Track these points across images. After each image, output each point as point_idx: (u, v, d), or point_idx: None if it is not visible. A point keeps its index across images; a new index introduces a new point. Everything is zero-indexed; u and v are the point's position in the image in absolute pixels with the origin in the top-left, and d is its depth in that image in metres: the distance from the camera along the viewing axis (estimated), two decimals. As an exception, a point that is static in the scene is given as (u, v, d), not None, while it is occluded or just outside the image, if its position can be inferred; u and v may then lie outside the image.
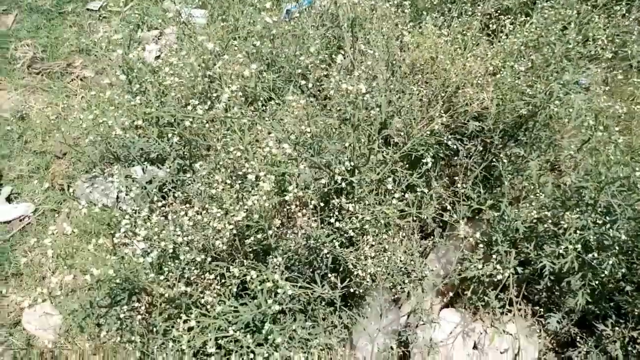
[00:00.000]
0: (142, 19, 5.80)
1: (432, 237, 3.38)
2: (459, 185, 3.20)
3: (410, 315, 3.19)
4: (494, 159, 3.27)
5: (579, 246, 2.57)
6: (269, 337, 2.03)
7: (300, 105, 2.17)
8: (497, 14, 3.71)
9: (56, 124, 4.80)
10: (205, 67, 2.66)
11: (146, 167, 3.76)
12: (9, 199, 4.33)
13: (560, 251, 2.60)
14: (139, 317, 2.13)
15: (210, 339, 1.89)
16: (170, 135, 2.43)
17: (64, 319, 3.56)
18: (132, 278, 1.96)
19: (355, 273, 2.24)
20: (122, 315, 2.11)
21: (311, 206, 2.25)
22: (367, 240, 2.26)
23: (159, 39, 5.73)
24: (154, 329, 2.24)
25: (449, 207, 3.25)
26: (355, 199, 2.31)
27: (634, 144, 2.60)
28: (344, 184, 2.20)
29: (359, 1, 2.51)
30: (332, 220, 2.26)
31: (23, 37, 5.89)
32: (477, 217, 3.51)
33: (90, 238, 2.54)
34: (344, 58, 2.41)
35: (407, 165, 2.71)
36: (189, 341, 1.98)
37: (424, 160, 2.51)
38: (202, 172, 2.27)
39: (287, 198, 2.05)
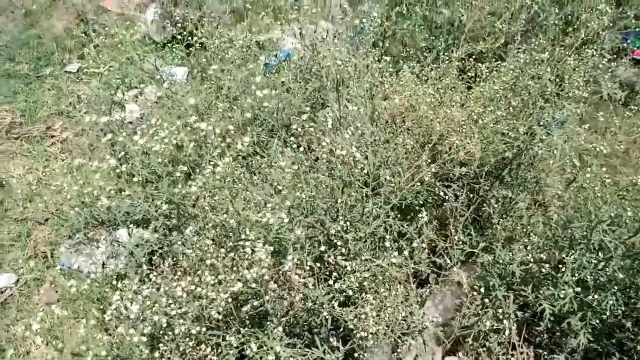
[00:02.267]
0: (122, 80, 5.83)
1: (427, 284, 3.34)
2: (450, 229, 3.20)
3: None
4: (482, 202, 3.28)
5: (577, 288, 2.56)
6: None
7: (291, 168, 2.16)
8: (471, 59, 3.82)
9: (37, 190, 4.72)
10: (189, 129, 2.65)
11: (132, 230, 3.69)
12: (-11, 271, 4.18)
13: (559, 293, 2.58)
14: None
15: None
16: (158, 202, 2.38)
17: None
18: (126, 357, 1.88)
19: (358, 335, 2.19)
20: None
21: (307, 267, 2.21)
22: (367, 298, 2.21)
23: (138, 98, 5.75)
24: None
25: (442, 252, 3.23)
26: (351, 256, 2.28)
27: (620, 182, 2.64)
28: (339, 242, 2.17)
29: (343, 63, 2.56)
30: (331, 282, 2.22)
31: (1, 103, 5.86)
32: (470, 260, 3.49)
33: (78, 316, 2.45)
34: (329, 117, 2.43)
35: (399, 215, 2.70)
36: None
37: (420, 216, 2.50)
38: (192, 237, 2.22)
39: (285, 268, 2.01)
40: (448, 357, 3.29)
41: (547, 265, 2.74)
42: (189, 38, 4.81)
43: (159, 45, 6.61)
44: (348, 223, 2.29)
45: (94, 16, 6.98)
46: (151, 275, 2.29)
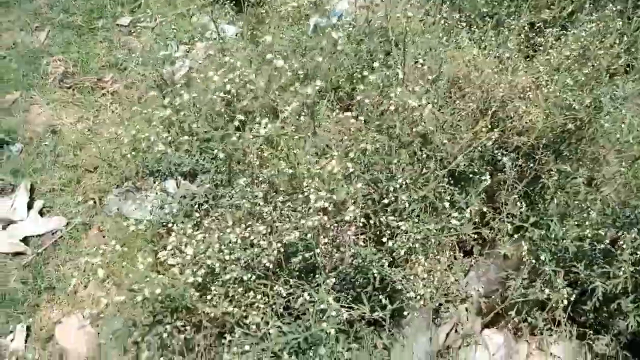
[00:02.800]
0: (173, 36, 5.85)
1: (471, 255, 3.29)
2: (500, 201, 3.12)
3: (451, 336, 3.10)
4: (536, 176, 3.18)
5: (634, 268, 2.47)
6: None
7: (352, 123, 2.12)
8: (534, 28, 3.66)
9: (88, 138, 4.83)
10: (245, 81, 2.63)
11: (179, 181, 3.75)
12: (41, 213, 4.34)
13: (614, 271, 2.49)
14: (181, 336, 2.08)
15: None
16: (213, 152, 2.38)
17: (100, 336, 3.54)
18: (178, 297, 1.92)
19: (407, 294, 2.17)
20: (164, 335, 2.06)
21: (360, 224, 2.19)
22: (419, 260, 2.19)
23: (188, 53, 5.77)
24: (196, 350, 2.19)
25: (489, 224, 3.17)
26: (404, 216, 2.25)
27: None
28: (396, 199, 2.13)
29: (413, 16, 2.47)
30: (384, 239, 2.20)
31: (55, 53, 5.98)
32: (517, 235, 3.42)
33: (132, 255, 2.51)
34: (396, 71, 2.36)
35: (452, 182, 2.64)
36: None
37: (484, 178, 2.44)
38: (244, 188, 2.23)
39: (346, 218, 2.00)
40: (487, 329, 3.25)
41: (603, 243, 2.65)
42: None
43: (211, 2, 6.57)
44: (404, 183, 2.25)
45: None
46: (204, 222, 2.32)
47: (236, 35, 6.01)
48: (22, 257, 4.06)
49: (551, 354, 2.91)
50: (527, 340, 3.07)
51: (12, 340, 3.60)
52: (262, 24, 5.15)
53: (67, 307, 3.80)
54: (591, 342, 2.99)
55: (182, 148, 3.73)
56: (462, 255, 3.21)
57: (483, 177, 2.47)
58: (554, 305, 2.89)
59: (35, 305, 3.78)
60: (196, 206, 2.99)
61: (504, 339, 3.14)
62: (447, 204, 2.30)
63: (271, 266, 2.04)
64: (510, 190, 3.17)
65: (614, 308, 2.82)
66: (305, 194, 1.88)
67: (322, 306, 1.86)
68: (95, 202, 4.38)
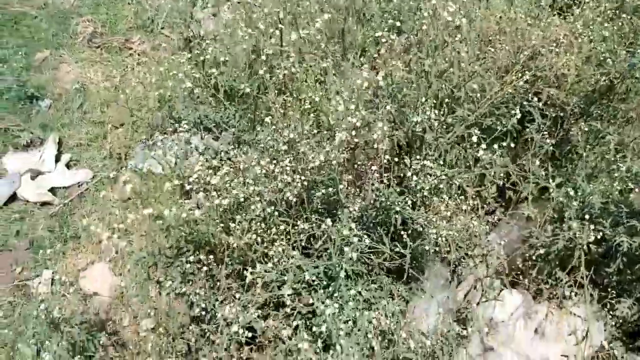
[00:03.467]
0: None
1: (494, 214, 3.26)
2: (527, 160, 3.07)
3: (470, 292, 3.09)
4: (565, 136, 3.12)
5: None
6: (335, 294, 1.98)
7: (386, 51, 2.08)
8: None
9: (115, 96, 4.89)
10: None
11: (204, 135, 3.77)
12: (68, 165, 4.42)
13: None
14: (205, 268, 2.11)
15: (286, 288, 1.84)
16: (242, 86, 2.36)
17: (122, 278, 3.63)
18: (203, 227, 1.94)
19: (429, 234, 2.15)
20: (187, 266, 2.10)
21: (385, 160, 2.17)
22: (443, 199, 2.17)
23: (214, 17, 5.77)
24: (217, 284, 2.22)
25: (515, 184, 3.13)
26: (429, 157, 2.23)
27: None
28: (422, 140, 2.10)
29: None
30: (409, 174, 2.18)
31: (84, 13, 6.04)
32: (542, 197, 3.36)
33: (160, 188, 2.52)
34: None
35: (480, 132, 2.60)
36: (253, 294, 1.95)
37: (513, 112, 2.38)
38: (270, 126, 2.23)
39: (374, 136, 1.98)
40: (508, 290, 3.22)
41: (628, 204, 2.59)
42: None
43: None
44: (430, 121, 2.22)
45: None
46: (230, 155, 2.33)
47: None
48: (50, 207, 4.15)
49: (571, 312, 2.87)
50: (547, 300, 3.04)
51: (39, 284, 3.70)
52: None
53: (92, 256, 3.89)
54: (613, 304, 2.94)
55: (207, 102, 3.76)
56: (485, 214, 3.17)
57: (513, 112, 2.39)
58: (575, 264, 2.86)
59: (62, 253, 3.87)
60: (221, 154, 3.02)
61: (523, 298, 3.11)
62: (474, 138, 2.24)
63: (294, 201, 2.04)
64: (536, 150, 3.12)
65: (637, 270, 2.78)
66: (333, 110, 1.86)
67: (344, 232, 1.85)
68: (120, 157, 4.45)
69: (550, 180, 3.03)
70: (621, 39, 2.77)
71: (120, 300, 3.59)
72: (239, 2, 4.89)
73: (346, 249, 1.89)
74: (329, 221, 1.93)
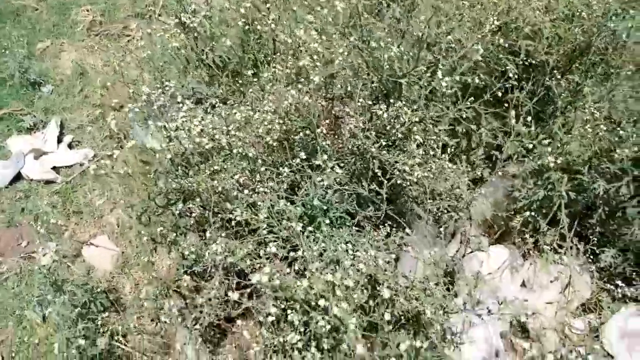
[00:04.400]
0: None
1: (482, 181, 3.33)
2: (509, 120, 3.14)
3: (459, 249, 3.17)
4: (547, 94, 3.19)
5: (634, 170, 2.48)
6: (317, 235, 2.07)
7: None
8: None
9: (113, 78, 5.02)
10: None
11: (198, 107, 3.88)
12: (70, 146, 4.56)
13: (615, 170, 2.51)
14: (193, 214, 2.22)
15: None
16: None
17: (121, 252, 3.76)
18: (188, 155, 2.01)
19: (402, 177, 2.23)
20: (176, 213, 2.20)
21: (359, 104, 2.26)
22: (415, 138, 2.25)
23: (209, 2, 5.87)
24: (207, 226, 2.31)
25: (499, 142, 3.20)
26: (403, 102, 2.31)
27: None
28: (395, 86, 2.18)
29: None
30: (380, 112, 2.25)
31: (83, 3, 6.18)
32: (529, 156, 3.44)
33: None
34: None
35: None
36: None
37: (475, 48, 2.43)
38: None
39: (336, 63, 2.07)
40: (494, 246, 3.30)
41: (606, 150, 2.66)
42: None
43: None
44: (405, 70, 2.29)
45: None
46: (216, 106, 2.43)
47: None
48: (53, 185, 4.29)
49: (554, 261, 2.95)
50: (532, 251, 3.12)
51: (43, 256, 3.83)
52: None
53: (94, 229, 4.03)
54: (597, 254, 3.01)
55: (200, 77, 3.87)
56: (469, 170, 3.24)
57: (475, 47, 2.43)
58: (558, 219, 2.92)
59: (64, 227, 4.00)
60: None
61: (510, 252, 3.19)
62: (439, 73, 2.30)
63: (275, 145, 2.14)
64: (518, 108, 3.19)
65: (619, 216, 2.85)
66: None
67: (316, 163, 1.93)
68: (120, 138, 4.57)
69: (534, 138, 3.11)
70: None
71: (122, 270, 3.71)
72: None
73: (324, 181, 1.97)
74: (302, 154, 2.02)
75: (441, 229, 3.11)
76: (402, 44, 2.23)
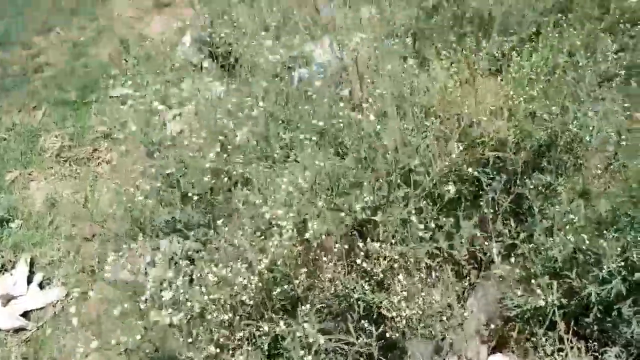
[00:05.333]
0: (163, 102, 6.05)
1: (468, 278, 3.24)
2: (488, 221, 3.11)
3: (455, 362, 3.01)
4: (520, 193, 3.18)
5: (622, 271, 2.42)
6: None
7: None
8: (503, 49, 3.75)
9: (85, 208, 4.93)
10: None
11: (172, 238, 3.78)
12: (41, 285, 4.37)
13: (604, 275, 2.45)
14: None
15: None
16: (192, 195, 2.41)
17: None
18: (160, 343, 1.90)
19: (390, 317, 2.13)
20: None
21: (335, 249, 2.18)
22: (399, 280, 2.16)
23: (178, 117, 5.94)
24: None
25: (484, 245, 3.15)
26: (381, 239, 2.24)
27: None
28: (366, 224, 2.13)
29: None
30: (359, 260, 2.18)
31: (51, 129, 6.19)
32: (512, 254, 3.37)
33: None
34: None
35: (431, 204, 2.65)
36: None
37: (447, 188, 2.44)
38: (224, 228, 2.26)
39: (307, 235, 2.00)
40: (493, 355, 3.15)
41: (591, 250, 2.61)
42: (225, 56, 4.98)
43: (196, 66, 6.82)
44: (375, 205, 2.25)
45: (137, 43, 7.30)
46: (185, 267, 2.33)
47: (223, 94, 6.19)
48: (23, 332, 4.05)
49: (559, 367, 2.80)
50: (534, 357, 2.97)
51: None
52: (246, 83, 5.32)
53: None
54: (599, 355, 2.87)
55: (173, 203, 3.80)
56: (457, 280, 3.15)
57: (446, 188, 2.45)
58: (554, 320, 2.82)
59: (38, 380, 3.74)
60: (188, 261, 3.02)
61: (510, 361, 3.04)
62: (414, 218, 2.27)
63: (252, 303, 2.03)
64: (496, 209, 3.17)
65: (616, 315, 2.75)
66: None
67: (298, 334, 1.82)
68: (94, 270, 4.41)
69: (515, 237, 3.07)
70: (549, 96, 2.89)
71: None
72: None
73: (301, 352, 1.86)
74: (282, 324, 1.91)
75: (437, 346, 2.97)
76: (372, 182, 2.20)
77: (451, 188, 2.44)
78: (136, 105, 6.30)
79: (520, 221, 3.26)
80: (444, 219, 2.94)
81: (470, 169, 2.71)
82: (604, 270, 2.46)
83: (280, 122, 4.01)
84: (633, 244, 2.45)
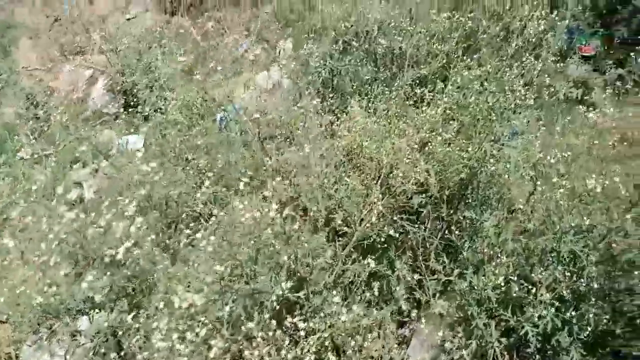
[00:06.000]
0: (76, 160, 5.72)
1: (408, 323, 3.18)
2: (420, 260, 3.07)
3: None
4: (449, 227, 3.17)
5: (555, 305, 2.42)
6: None
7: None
8: (416, 82, 3.78)
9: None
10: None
11: (92, 316, 3.49)
12: (-50, 383, 3.91)
13: (538, 314, 2.43)
14: None
15: None
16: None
17: None
18: None
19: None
20: None
21: (259, 339, 2.03)
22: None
23: (94, 174, 5.63)
24: None
25: (418, 286, 3.09)
26: (308, 314, 2.12)
27: (577, 188, 2.54)
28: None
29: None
30: (283, 352, 2.02)
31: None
32: (449, 289, 3.35)
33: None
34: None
35: (361, 256, 2.56)
36: None
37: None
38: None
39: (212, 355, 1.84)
40: (443, 397, 3.08)
41: (523, 284, 2.61)
42: (140, 106, 4.78)
43: (110, 117, 6.55)
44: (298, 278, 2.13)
45: (44, 98, 6.92)
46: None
47: (142, 143, 5.90)
48: None
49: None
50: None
51: None
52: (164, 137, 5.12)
53: None
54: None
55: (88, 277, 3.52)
56: (397, 326, 3.09)
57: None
58: (495, 357, 2.79)
59: None
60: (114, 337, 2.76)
61: (461, 404, 2.97)
62: (336, 299, 2.15)
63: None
64: (427, 248, 3.14)
65: (555, 345, 2.75)
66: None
67: None
68: (10, 357, 4.00)
69: (449, 273, 3.04)
70: (465, 135, 2.91)
71: None
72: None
73: None
74: None
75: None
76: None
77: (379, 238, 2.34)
78: (47, 166, 5.95)
79: (453, 255, 3.24)
80: (376, 264, 2.87)
81: (395, 218, 2.66)
82: (536, 309, 2.44)
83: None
84: (562, 277, 2.45)
